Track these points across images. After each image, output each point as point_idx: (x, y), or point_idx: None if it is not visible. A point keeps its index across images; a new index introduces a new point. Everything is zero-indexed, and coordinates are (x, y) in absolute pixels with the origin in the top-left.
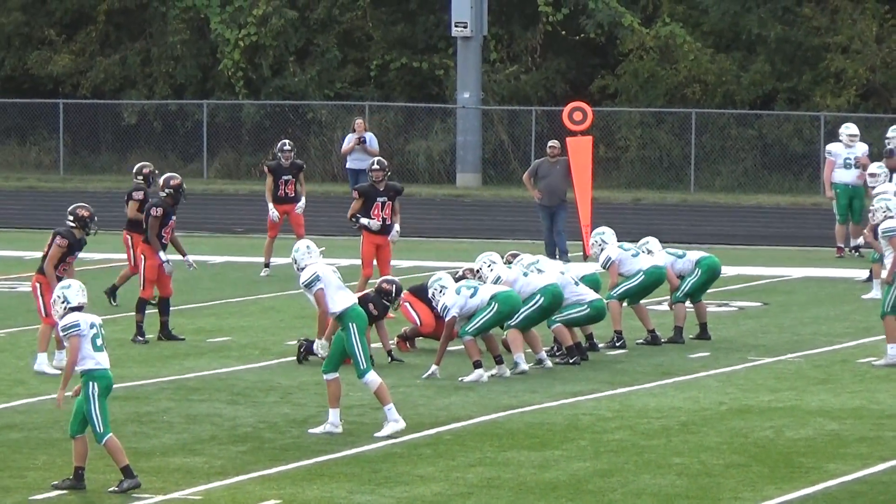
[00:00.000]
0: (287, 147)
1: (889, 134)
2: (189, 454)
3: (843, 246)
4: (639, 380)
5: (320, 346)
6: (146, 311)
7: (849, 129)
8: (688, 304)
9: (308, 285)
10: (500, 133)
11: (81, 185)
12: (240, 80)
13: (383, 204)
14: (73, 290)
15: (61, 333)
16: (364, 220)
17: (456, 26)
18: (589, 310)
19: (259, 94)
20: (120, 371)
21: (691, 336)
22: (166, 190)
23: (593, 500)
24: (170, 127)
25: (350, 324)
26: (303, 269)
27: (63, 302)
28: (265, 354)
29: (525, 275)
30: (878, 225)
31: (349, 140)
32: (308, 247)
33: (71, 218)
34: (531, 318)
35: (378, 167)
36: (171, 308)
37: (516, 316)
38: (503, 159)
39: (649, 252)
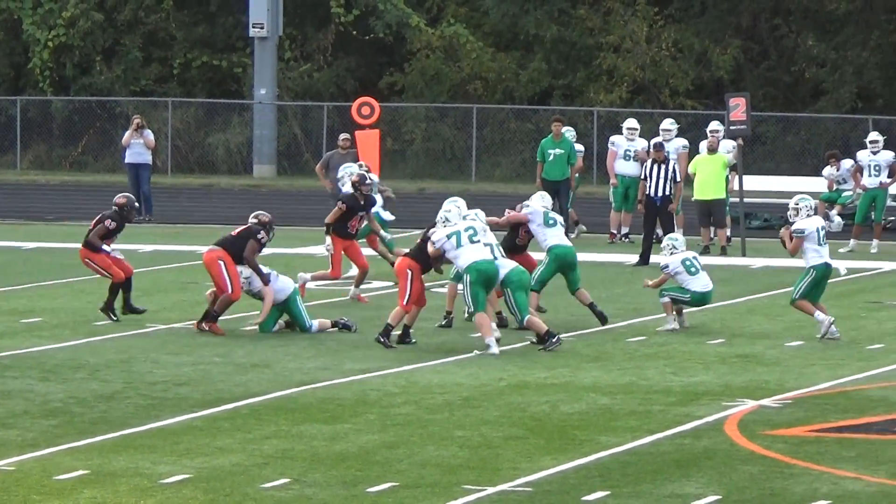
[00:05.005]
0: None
1: (665, 126)
2: (2, 427)
3: (615, 232)
4: (424, 358)
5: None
6: None
7: (629, 123)
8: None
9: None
10: (293, 127)
11: None
12: (46, 79)
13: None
14: None
15: None
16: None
17: (253, 27)
18: None
19: (69, 90)
20: None
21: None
22: (114, 208)
23: (381, 471)
24: None
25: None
26: None
27: None
28: (75, 334)
29: None
30: None
31: (128, 133)
32: None
33: None
34: None
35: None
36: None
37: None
38: (296, 151)
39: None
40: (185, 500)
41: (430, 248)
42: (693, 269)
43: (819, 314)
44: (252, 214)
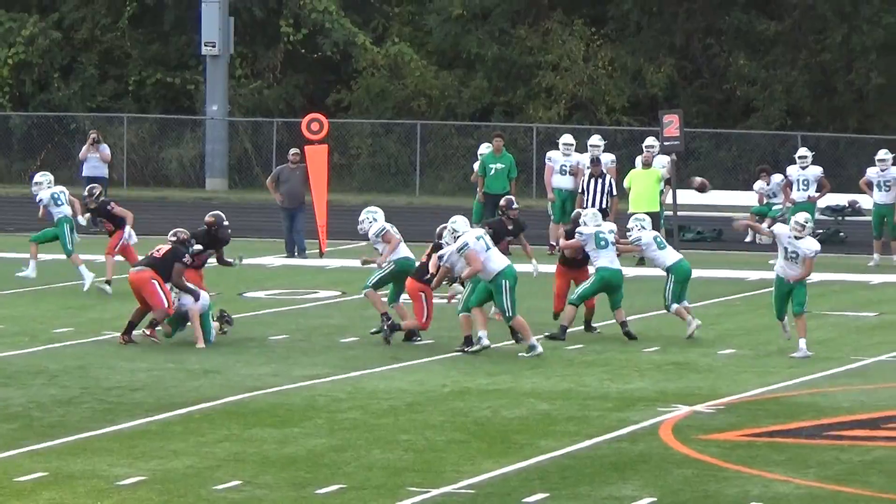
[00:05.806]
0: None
1: (593, 142)
2: None
3: (555, 244)
4: (370, 364)
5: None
6: None
7: (565, 139)
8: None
9: None
10: (244, 142)
11: None
12: (6, 95)
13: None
14: None
15: None
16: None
17: (205, 46)
18: None
19: (27, 106)
20: None
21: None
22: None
23: (329, 473)
24: None
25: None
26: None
27: None
28: (34, 341)
29: None
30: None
31: (85, 148)
32: None
33: None
34: None
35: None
36: None
37: None
38: (247, 166)
39: None
40: (140, 502)
41: (433, 262)
42: (662, 245)
43: (801, 340)
44: (171, 232)
